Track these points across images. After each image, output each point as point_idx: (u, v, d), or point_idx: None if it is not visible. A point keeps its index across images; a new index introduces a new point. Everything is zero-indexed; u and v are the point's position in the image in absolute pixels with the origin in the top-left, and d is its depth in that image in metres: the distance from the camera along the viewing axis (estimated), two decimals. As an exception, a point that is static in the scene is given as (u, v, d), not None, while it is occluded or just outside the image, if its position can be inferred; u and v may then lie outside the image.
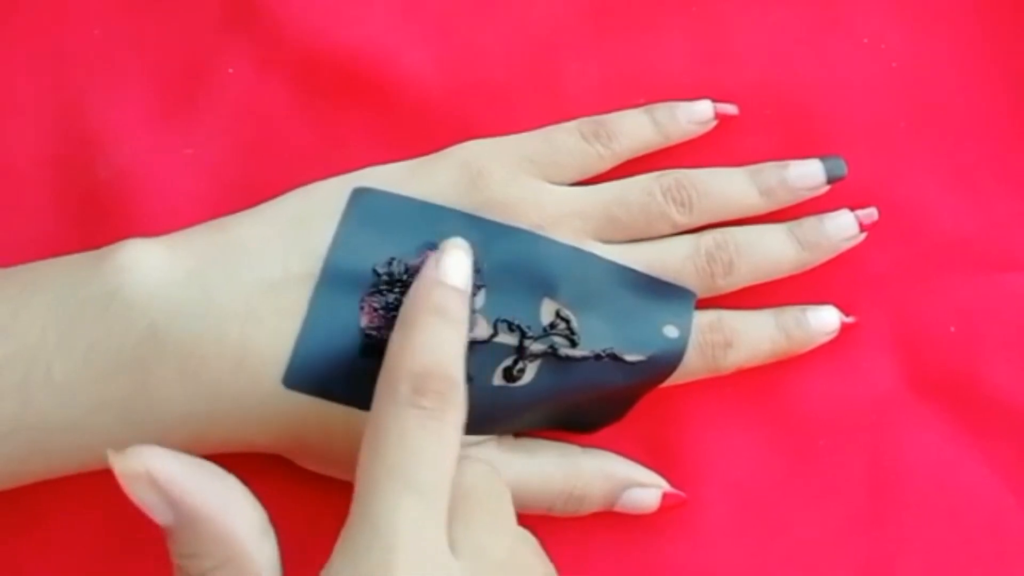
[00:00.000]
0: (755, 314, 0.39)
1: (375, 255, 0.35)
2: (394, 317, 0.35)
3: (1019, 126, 0.42)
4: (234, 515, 0.29)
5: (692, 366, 0.38)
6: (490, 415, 0.36)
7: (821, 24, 0.42)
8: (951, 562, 0.39)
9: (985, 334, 0.40)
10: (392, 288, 0.35)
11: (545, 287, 0.36)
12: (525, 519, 0.33)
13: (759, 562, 0.39)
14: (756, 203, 0.39)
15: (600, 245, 0.37)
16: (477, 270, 0.35)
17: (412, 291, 0.33)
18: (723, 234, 0.38)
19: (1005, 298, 0.41)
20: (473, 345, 0.35)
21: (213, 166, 0.40)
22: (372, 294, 0.35)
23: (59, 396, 0.33)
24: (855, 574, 0.39)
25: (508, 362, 0.36)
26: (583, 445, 0.39)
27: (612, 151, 0.39)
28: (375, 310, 0.35)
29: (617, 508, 0.38)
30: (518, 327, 0.36)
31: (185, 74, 0.41)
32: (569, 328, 0.36)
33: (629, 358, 0.37)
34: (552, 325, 0.36)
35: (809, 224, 0.39)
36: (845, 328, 0.39)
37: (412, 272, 0.35)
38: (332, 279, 0.35)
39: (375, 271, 0.35)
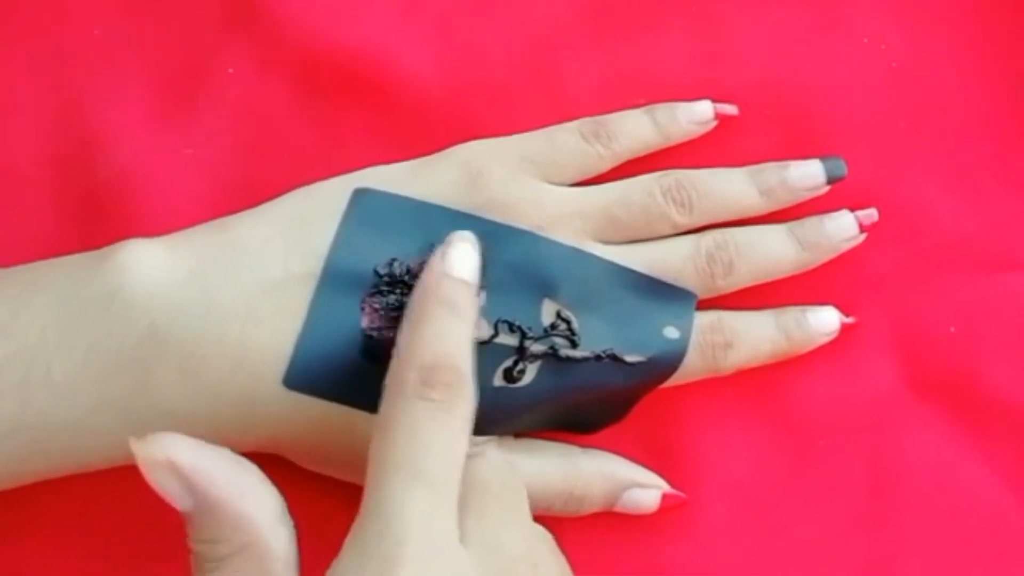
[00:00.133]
0: (755, 315, 0.39)
1: (376, 255, 0.35)
2: (395, 317, 0.35)
3: (1019, 126, 0.42)
4: (252, 502, 0.29)
5: (692, 367, 0.38)
6: (490, 416, 0.36)
7: (821, 24, 0.42)
8: (951, 562, 0.39)
9: (985, 334, 0.40)
10: (393, 289, 0.35)
11: (545, 288, 0.36)
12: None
13: (759, 562, 0.39)
14: (756, 203, 0.39)
15: (600, 246, 0.37)
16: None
17: (419, 283, 0.33)
18: (723, 234, 0.38)
19: (1005, 298, 0.41)
20: (474, 346, 0.35)
21: (213, 166, 0.40)
22: (373, 294, 0.35)
23: (59, 396, 0.33)
24: (855, 574, 0.39)
25: (508, 363, 0.36)
26: (583, 445, 0.39)
27: (612, 151, 0.39)
28: (376, 310, 0.35)
29: (617, 508, 0.38)
30: (518, 328, 0.36)
31: (185, 74, 0.41)
32: (569, 329, 0.36)
33: (629, 359, 0.37)
34: (552, 326, 0.36)
35: (809, 224, 0.39)
36: (845, 328, 0.39)
37: (413, 273, 0.35)
38: (333, 279, 0.35)
39: (376, 271, 0.35)
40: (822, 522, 0.39)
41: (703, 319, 0.38)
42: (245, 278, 0.35)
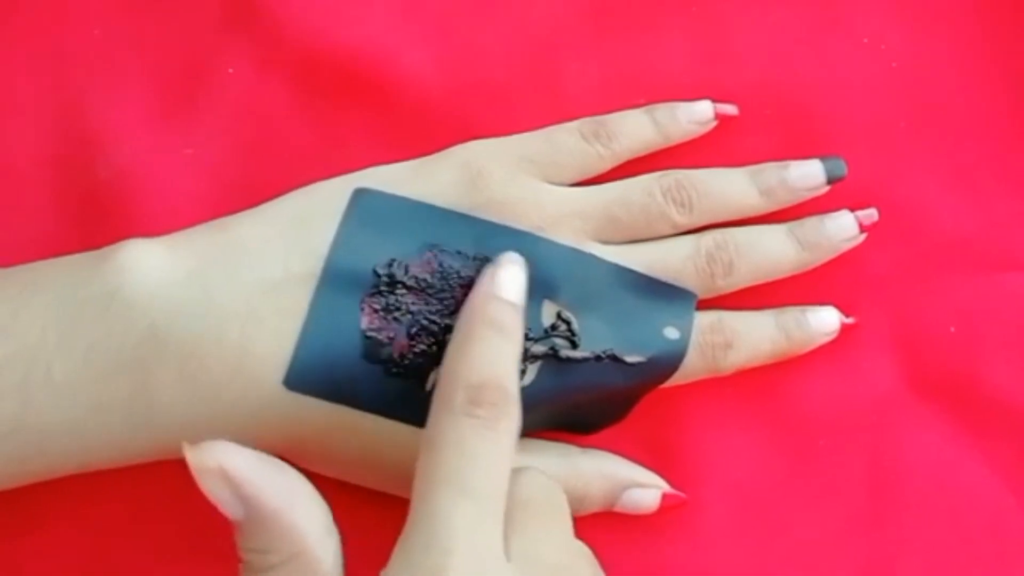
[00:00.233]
0: (755, 315, 0.39)
1: (376, 256, 0.35)
2: (395, 319, 0.35)
3: (1019, 126, 0.42)
4: (301, 512, 0.29)
5: (692, 367, 0.38)
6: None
7: (821, 24, 0.42)
8: (951, 562, 0.39)
9: (985, 334, 0.40)
10: (393, 289, 0.35)
11: (546, 289, 0.36)
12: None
13: (759, 562, 0.39)
14: (756, 203, 0.39)
15: (600, 246, 0.37)
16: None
17: (468, 303, 0.34)
18: (723, 234, 0.38)
19: (1005, 298, 0.41)
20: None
21: (213, 166, 0.40)
22: (373, 295, 0.35)
23: (59, 396, 0.33)
24: (855, 574, 0.39)
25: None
26: (583, 446, 0.39)
27: (612, 151, 0.39)
28: (376, 311, 0.35)
29: (617, 508, 0.38)
30: (519, 328, 0.36)
31: (185, 74, 0.41)
32: (570, 329, 0.36)
33: (629, 359, 0.37)
34: (553, 327, 0.36)
35: (809, 224, 0.39)
36: (845, 328, 0.39)
37: (413, 273, 0.35)
38: (333, 280, 0.35)
39: (376, 272, 0.35)
40: (822, 522, 0.39)
41: (703, 319, 0.38)
42: (245, 278, 0.35)
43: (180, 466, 0.35)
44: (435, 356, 0.34)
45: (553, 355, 0.36)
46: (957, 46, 0.42)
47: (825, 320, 0.39)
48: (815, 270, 0.39)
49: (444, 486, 0.29)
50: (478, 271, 0.36)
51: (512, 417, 0.31)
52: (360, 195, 0.36)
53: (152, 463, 0.35)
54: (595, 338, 0.36)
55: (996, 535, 0.39)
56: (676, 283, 0.38)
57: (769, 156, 0.40)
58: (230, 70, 0.41)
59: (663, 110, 0.40)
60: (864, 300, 0.40)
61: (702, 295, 0.38)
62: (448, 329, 0.35)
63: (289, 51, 0.41)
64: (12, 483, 0.35)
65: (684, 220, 0.38)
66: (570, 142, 0.38)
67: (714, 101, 0.40)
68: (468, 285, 0.35)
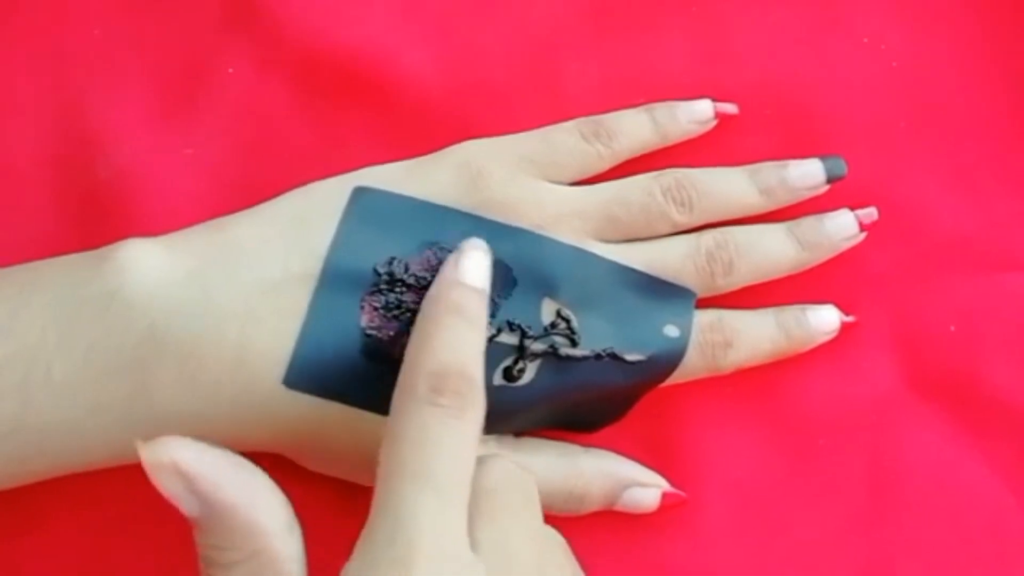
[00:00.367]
0: (755, 314, 0.39)
1: (375, 254, 0.35)
2: (395, 317, 0.35)
3: (1019, 126, 0.42)
4: (261, 508, 0.29)
5: (692, 366, 0.38)
6: (490, 415, 0.36)
7: (821, 24, 0.42)
8: (951, 562, 0.39)
9: (985, 334, 0.40)
10: (393, 288, 0.35)
11: (545, 287, 0.36)
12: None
13: (759, 562, 0.39)
14: (756, 203, 0.39)
15: (600, 245, 0.37)
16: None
17: (431, 291, 0.33)
18: (723, 234, 0.38)
19: (1005, 298, 0.41)
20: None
21: (213, 166, 0.40)
22: (372, 293, 0.35)
23: (59, 396, 0.33)
24: (855, 574, 0.39)
25: (508, 362, 0.36)
26: (583, 444, 0.39)
27: (612, 151, 0.39)
28: (375, 309, 0.35)
29: (617, 507, 0.38)
30: (519, 327, 0.36)
31: (185, 74, 0.41)
32: (569, 328, 0.36)
33: (629, 358, 0.37)
34: (552, 325, 0.36)
35: (809, 224, 0.39)
36: (845, 328, 0.39)
37: (412, 271, 0.35)
38: (332, 279, 0.35)
39: (375, 270, 0.35)
40: (822, 522, 0.39)
41: (703, 318, 0.38)
42: (244, 278, 0.35)
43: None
44: None
45: (553, 353, 0.36)
46: (957, 46, 0.42)
47: (825, 319, 0.39)
48: (815, 269, 0.39)
49: (407, 477, 0.29)
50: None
51: (477, 405, 0.31)
52: (360, 194, 0.36)
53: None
54: (595, 336, 0.36)
55: (996, 535, 0.39)
56: (676, 282, 0.38)
57: (769, 156, 0.40)
58: (230, 70, 0.41)
59: (662, 109, 0.40)
60: (864, 299, 0.40)
61: (702, 294, 0.38)
62: None
63: (289, 51, 0.41)
64: (12, 483, 0.35)
65: (684, 219, 0.38)
66: (570, 142, 0.38)
67: (714, 101, 0.40)
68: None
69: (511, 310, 0.36)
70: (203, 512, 0.28)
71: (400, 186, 0.37)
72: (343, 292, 0.35)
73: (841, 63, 0.42)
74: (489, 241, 0.36)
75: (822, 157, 0.39)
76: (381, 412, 0.34)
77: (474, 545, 0.29)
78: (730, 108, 0.40)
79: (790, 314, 0.39)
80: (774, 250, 0.39)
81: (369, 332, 0.35)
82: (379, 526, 0.28)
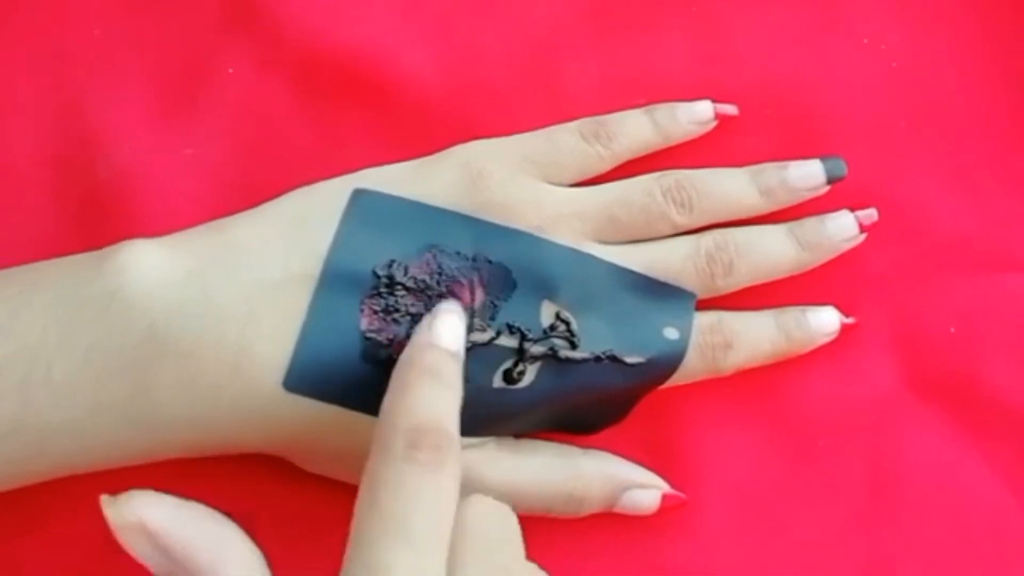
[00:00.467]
0: (755, 315, 0.39)
1: (375, 257, 0.35)
2: (394, 320, 0.35)
3: (1019, 126, 0.42)
4: (232, 565, 0.29)
5: (692, 367, 0.38)
6: (490, 417, 0.36)
7: (821, 24, 0.42)
8: (951, 562, 0.39)
9: (985, 334, 0.40)
10: (392, 291, 0.35)
11: (545, 289, 0.36)
12: (524, 520, 0.32)
13: (759, 562, 0.39)
14: (756, 203, 0.39)
15: (600, 246, 0.37)
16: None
17: (405, 354, 0.33)
18: (723, 235, 0.38)
19: (1005, 298, 0.41)
20: (473, 348, 0.35)
21: (213, 166, 0.40)
22: (372, 296, 0.35)
23: (59, 396, 0.33)
24: (855, 574, 0.39)
25: (508, 364, 0.36)
26: (583, 446, 0.39)
27: (612, 151, 0.39)
28: (375, 312, 0.35)
29: (617, 509, 0.38)
30: (518, 329, 0.36)
31: (185, 74, 0.41)
32: (569, 330, 0.36)
33: (629, 360, 0.37)
34: (552, 327, 0.36)
35: (809, 224, 0.39)
36: (845, 329, 0.39)
37: (412, 274, 0.35)
38: (332, 280, 0.35)
39: (375, 273, 0.35)
40: (822, 522, 0.39)
41: (703, 319, 0.38)
42: (244, 279, 0.35)
43: (180, 466, 0.36)
44: None
45: (552, 355, 0.36)
46: (957, 46, 0.42)
47: (825, 320, 0.39)
48: (815, 270, 0.39)
49: (383, 534, 0.28)
50: (477, 272, 0.36)
51: (454, 460, 0.30)
52: (359, 195, 0.36)
53: (152, 463, 0.35)
54: (595, 339, 0.36)
55: (996, 535, 0.39)
56: (676, 283, 0.38)
57: (769, 156, 0.40)
58: (230, 70, 0.41)
59: (663, 110, 0.40)
60: (864, 300, 0.40)
61: (702, 295, 0.38)
62: None
63: (289, 51, 0.41)
64: (12, 483, 0.35)
65: (684, 220, 0.38)
66: (570, 142, 0.38)
67: (714, 101, 0.40)
68: (467, 286, 0.36)
69: (511, 312, 0.36)
70: (170, 570, 0.28)
71: (401, 187, 0.37)
72: (343, 294, 0.35)
73: (841, 63, 0.42)
74: (489, 243, 0.36)
75: (822, 158, 0.39)
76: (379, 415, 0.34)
77: None
78: (730, 109, 0.40)
79: (790, 315, 0.39)
80: (774, 251, 0.39)
81: (368, 335, 0.35)
82: None
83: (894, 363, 0.40)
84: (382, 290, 0.35)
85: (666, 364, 0.37)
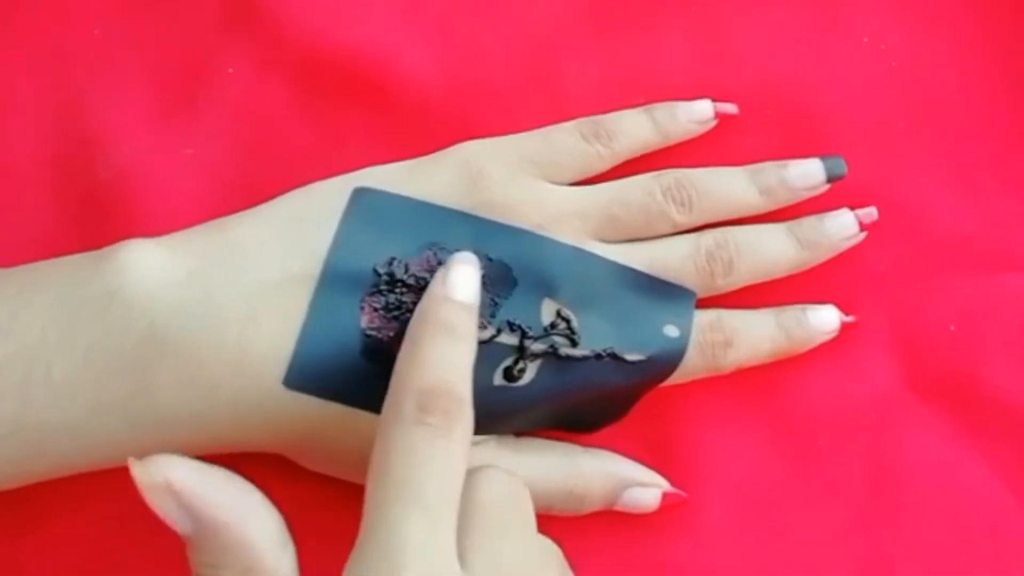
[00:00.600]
0: (755, 313, 0.39)
1: (375, 255, 0.35)
2: (395, 317, 0.35)
3: (1019, 126, 0.42)
4: (253, 526, 0.29)
5: (692, 365, 0.38)
6: (490, 415, 0.36)
7: (821, 24, 0.42)
8: (951, 562, 0.39)
9: (985, 334, 0.40)
10: (393, 288, 0.35)
11: (545, 287, 0.36)
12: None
13: (759, 562, 0.39)
14: (756, 202, 0.39)
15: (600, 245, 0.37)
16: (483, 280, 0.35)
17: (419, 307, 0.33)
18: (723, 233, 0.38)
19: (1005, 298, 0.41)
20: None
21: (213, 166, 0.40)
22: (373, 294, 0.35)
23: (59, 396, 0.33)
24: (855, 574, 0.39)
25: (509, 362, 0.36)
26: (583, 444, 0.39)
27: (612, 151, 0.39)
28: (375, 310, 0.35)
29: (617, 507, 0.38)
30: (519, 327, 0.36)
31: (185, 74, 0.41)
32: (569, 328, 0.36)
33: (629, 358, 0.37)
34: (552, 325, 0.36)
35: (809, 223, 0.39)
36: (845, 328, 0.39)
37: (412, 272, 0.35)
38: (332, 279, 0.35)
39: (375, 271, 0.35)
40: (822, 522, 0.39)
41: (703, 318, 0.38)
42: (244, 278, 0.35)
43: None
44: None
45: (553, 353, 0.36)
46: (957, 46, 0.42)
47: (825, 319, 0.39)
48: (815, 269, 0.39)
49: (395, 497, 0.29)
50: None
51: (465, 423, 0.30)
52: (360, 194, 0.36)
53: (152, 463, 0.35)
54: (595, 336, 0.36)
55: (996, 535, 0.39)
56: (676, 282, 0.38)
57: (769, 156, 0.40)
58: (230, 70, 0.41)
59: (662, 109, 0.40)
60: (864, 299, 0.40)
61: (702, 294, 0.38)
62: None
63: (289, 51, 0.41)
64: (13, 483, 0.35)
65: (684, 219, 0.38)
66: (570, 142, 0.38)
67: (714, 101, 0.40)
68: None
69: (511, 310, 0.36)
70: (196, 530, 0.28)
71: (400, 186, 0.37)
72: (343, 292, 0.35)
73: (841, 63, 0.42)
74: (489, 241, 0.36)
75: (822, 157, 0.39)
76: (380, 412, 0.34)
77: (465, 562, 0.29)
78: (730, 108, 0.40)
79: (790, 314, 0.39)
80: (774, 250, 0.39)
81: (369, 333, 0.35)
82: (368, 546, 0.28)
83: (894, 362, 0.40)
84: (383, 288, 0.35)
85: (666, 362, 0.37)
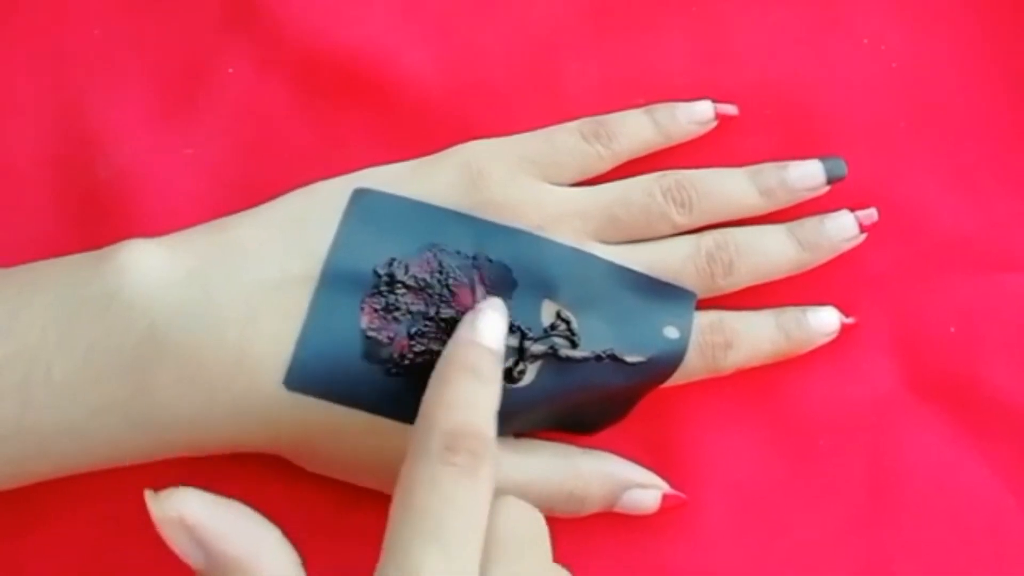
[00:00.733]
0: (755, 315, 0.39)
1: (376, 256, 0.35)
2: (395, 318, 0.35)
3: (1019, 126, 0.42)
4: (267, 560, 0.29)
5: (692, 367, 0.38)
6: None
7: (821, 24, 0.42)
8: (951, 562, 0.39)
9: (985, 334, 0.40)
10: (393, 289, 0.35)
11: (545, 288, 0.36)
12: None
13: (759, 562, 0.39)
14: (756, 203, 0.39)
15: (600, 246, 0.37)
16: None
17: (447, 350, 0.33)
18: (723, 234, 0.38)
19: (1005, 298, 0.41)
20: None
21: (213, 166, 0.40)
22: (373, 295, 0.35)
23: (59, 397, 0.33)
24: (855, 574, 0.39)
25: (509, 363, 0.36)
26: (583, 446, 0.38)
27: (612, 151, 0.39)
28: (376, 311, 0.35)
29: (617, 509, 0.38)
30: (518, 328, 0.36)
31: (185, 74, 0.41)
32: (569, 329, 0.36)
33: (629, 359, 0.37)
34: (552, 326, 0.36)
35: (809, 225, 0.39)
36: (845, 328, 0.39)
37: (412, 273, 0.35)
38: (332, 280, 0.35)
39: (375, 272, 0.35)
40: (822, 522, 0.39)
41: (703, 319, 0.38)
42: (244, 279, 0.35)
43: (180, 466, 0.36)
44: (435, 356, 0.34)
45: (553, 355, 0.36)
46: (957, 46, 0.42)
47: (825, 320, 0.39)
48: (815, 270, 0.39)
49: (418, 535, 0.28)
50: (478, 271, 0.36)
51: (490, 464, 0.30)
52: (360, 195, 0.36)
53: (152, 463, 0.35)
54: (595, 338, 0.36)
55: (996, 535, 0.39)
56: (676, 283, 0.38)
57: (769, 156, 0.40)
58: (230, 70, 0.41)
59: (663, 110, 0.40)
60: (864, 300, 0.40)
61: (702, 295, 0.38)
62: (449, 326, 0.35)
63: (289, 51, 0.41)
64: (13, 483, 0.35)
65: (684, 220, 0.38)
66: (570, 142, 0.38)
67: (714, 101, 0.40)
68: (468, 285, 0.36)
69: (511, 312, 0.36)
70: (208, 564, 0.29)
71: (401, 187, 0.37)
72: (343, 293, 0.35)
73: (841, 63, 0.42)
74: (489, 242, 0.36)
75: (822, 158, 0.39)
76: (381, 414, 0.34)
77: None
78: (730, 109, 0.40)
79: (790, 315, 0.39)
80: (774, 251, 0.39)
81: (369, 334, 0.35)
82: None
83: (894, 363, 0.40)
84: (383, 288, 0.35)
85: (666, 363, 0.37)
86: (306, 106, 0.41)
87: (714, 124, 0.40)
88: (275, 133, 0.40)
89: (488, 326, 0.34)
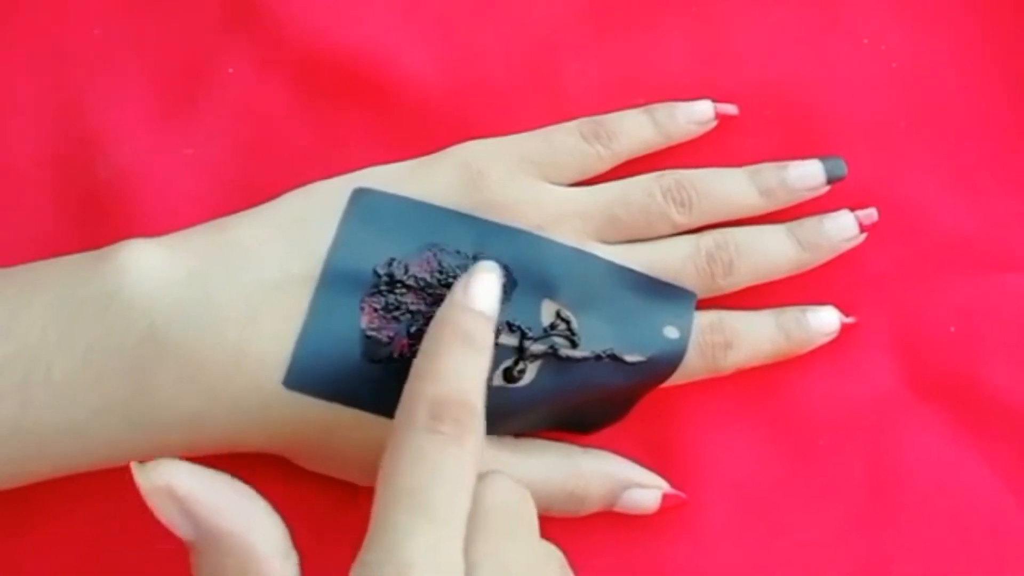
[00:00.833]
0: (755, 315, 0.39)
1: (375, 256, 0.35)
2: (395, 318, 0.35)
3: (1019, 126, 0.42)
4: (256, 534, 0.29)
5: (692, 366, 0.38)
6: (490, 416, 0.35)
7: (821, 24, 0.42)
8: (951, 562, 0.39)
9: (985, 334, 0.40)
10: (392, 289, 0.35)
11: (545, 288, 0.36)
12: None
13: (759, 562, 0.39)
14: (756, 203, 0.39)
15: (600, 246, 0.37)
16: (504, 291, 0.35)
17: (438, 314, 0.33)
18: (723, 234, 0.38)
19: (1005, 298, 0.41)
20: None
21: (213, 166, 0.40)
22: (372, 295, 0.35)
23: (59, 397, 0.33)
24: (855, 574, 0.39)
25: (508, 363, 0.36)
26: (583, 445, 0.39)
27: (612, 151, 0.39)
28: (375, 310, 0.35)
29: (617, 508, 0.38)
30: (518, 328, 0.36)
31: (185, 74, 0.41)
32: (569, 329, 0.36)
33: (629, 359, 0.37)
34: (552, 326, 0.36)
35: (809, 224, 0.39)
36: (845, 328, 0.39)
37: (412, 273, 0.35)
38: (332, 280, 0.35)
39: (375, 271, 0.35)
40: (822, 522, 0.39)
41: (703, 319, 0.38)
42: (244, 279, 0.35)
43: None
44: None
45: (553, 354, 0.36)
46: (957, 46, 0.42)
47: (825, 320, 0.39)
48: (815, 270, 0.39)
49: (404, 505, 0.28)
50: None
51: (477, 433, 0.30)
52: (360, 195, 0.36)
53: (152, 463, 0.35)
54: (595, 337, 0.36)
55: (996, 535, 0.39)
56: (676, 283, 0.38)
57: (769, 156, 0.40)
58: (230, 70, 0.41)
59: (663, 110, 0.40)
60: (864, 300, 0.40)
61: (702, 295, 0.38)
62: None
63: (289, 51, 0.41)
64: (12, 483, 0.35)
65: (684, 220, 0.38)
66: (570, 142, 0.38)
67: (714, 101, 0.40)
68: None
69: (511, 311, 0.36)
70: (198, 536, 0.28)
71: (401, 187, 0.37)
72: (343, 293, 0.35)
73: (841, 63, 0.42)
74: (489, 242, 0.36)
75: (822, 158, 0.39)
76: (381, 413, 0.34)
77: (470, 567, 0.29)
78: (730, 109, 0.40)
79: (790, 315, 0.39)
80: (774, 251, 0.39)
81: (369, 333, 0.35)
82: (373, 551, 0.28)
83: (894, 363, 0.40)
84: (382, 288, 0.35)
85: (666, 363, 0.37)
86: (306, 106, 0.41)
87: (714, 124, 0.40)
88: (275, 133, 0.40)
89: (482, 289, 0.33)
